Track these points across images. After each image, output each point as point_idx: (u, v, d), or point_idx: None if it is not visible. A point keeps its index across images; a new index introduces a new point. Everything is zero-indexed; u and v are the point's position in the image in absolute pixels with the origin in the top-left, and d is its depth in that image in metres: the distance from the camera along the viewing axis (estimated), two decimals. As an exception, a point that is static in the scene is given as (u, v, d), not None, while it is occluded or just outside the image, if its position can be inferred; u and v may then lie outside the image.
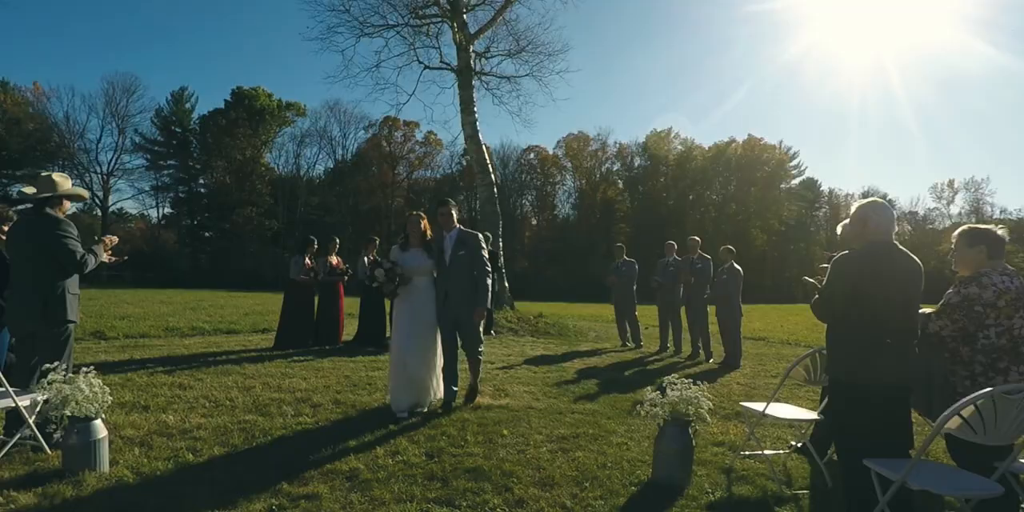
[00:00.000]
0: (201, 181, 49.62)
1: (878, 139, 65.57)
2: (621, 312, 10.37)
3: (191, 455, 3.75)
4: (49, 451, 3.66)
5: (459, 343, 5.16)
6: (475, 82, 13.82)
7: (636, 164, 52.56)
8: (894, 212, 2.85)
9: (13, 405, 3.52)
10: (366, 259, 8.28)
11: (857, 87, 61.60)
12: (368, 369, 6.84)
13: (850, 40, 59.26)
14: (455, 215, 5.13)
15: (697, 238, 9.35)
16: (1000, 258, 2.83)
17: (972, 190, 52.85)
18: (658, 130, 52.16)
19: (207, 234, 49.52)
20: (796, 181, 53.12)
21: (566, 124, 62.35)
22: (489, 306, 5.39)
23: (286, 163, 50.71)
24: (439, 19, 13.89)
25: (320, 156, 51.47)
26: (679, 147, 52.15)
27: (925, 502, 2.90)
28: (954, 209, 53.17)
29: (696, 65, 67.57)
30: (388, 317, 6.40)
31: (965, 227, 2.96)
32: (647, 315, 11.25)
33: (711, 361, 8.63)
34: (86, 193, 4.58)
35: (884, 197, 54.09)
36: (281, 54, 65.91)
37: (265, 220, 46.33)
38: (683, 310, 9.29)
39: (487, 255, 5.16)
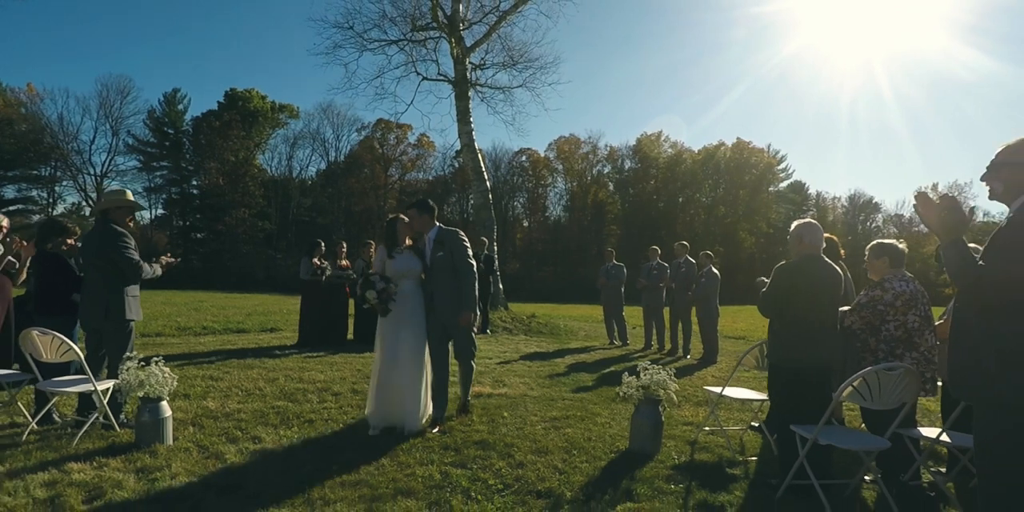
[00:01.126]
0: (194, 182, 49.75)
1: (866, 142, 66.62)
2: (609, 312, 11.10)
3: (239, 432, 4.41)
4: (119, 429, 4.31)
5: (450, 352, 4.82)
6: (471, 93, 14.54)
7: (627, 167, 53.31)
8: (822, 230, 3.58)
9: (91, 390, 4.17)
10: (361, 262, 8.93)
11: (845, 90, 62.66)
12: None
13: (839, 44, 60.09)
14: (426, 217, 4.69)
15: (685, 243, 10.08)
16: (900, 267, 3.56)
17: (956, 194, 54.34)
18: (648, 133, 53.00)
19: (199, 235, 49.72)
20: (784, 184, 54.07)
21: (558, 127, 63.36)
22: (480, 307, 5.09)
23: (279, 165, 51.03)
24: (437, 34, 14.60)
25: (313, 158, 51.81)
26: (669, 150, 52.92)
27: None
28: (939, 212, 54.78)
29: (686, 68, 68.50)
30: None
31: (874, 242, 3.70)
32: (634, 315, 11.99)
33: (689, 357, 9.37)
34: (139, 205, 5.18)
35: (870, 201, 54.90)
36: (275, 56, 66.23)
37: (258, 221, 46.64)
38: (666, 311, 10.03)
39: (470, 252, 4.74)
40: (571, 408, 5.45)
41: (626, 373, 4.26)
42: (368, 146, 52.53)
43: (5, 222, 4.73)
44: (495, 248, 13.86)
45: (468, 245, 4.75)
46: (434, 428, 4.51)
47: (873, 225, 54.43)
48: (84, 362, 4.11)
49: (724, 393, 4.33)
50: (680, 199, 51.97)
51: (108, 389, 4.25)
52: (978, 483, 2.32)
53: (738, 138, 52.54)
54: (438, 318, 4.64)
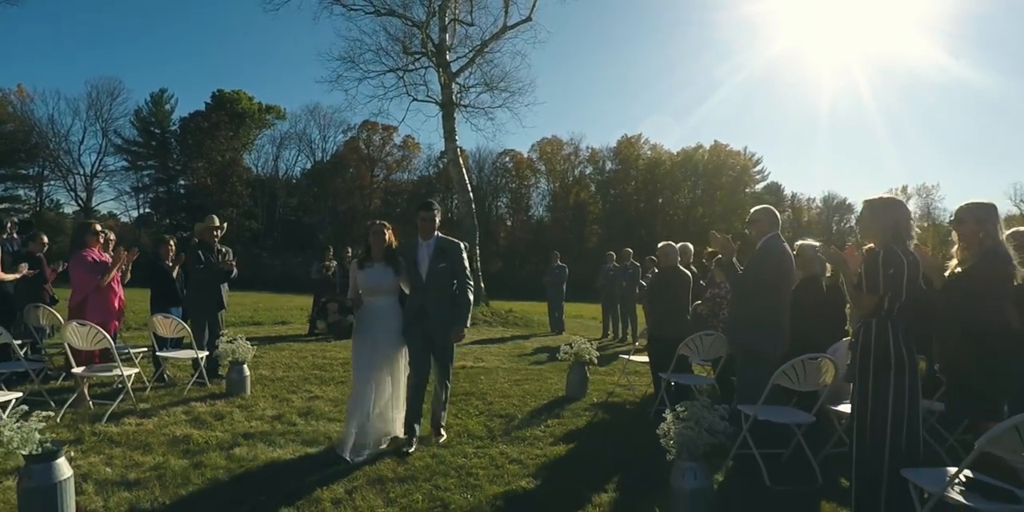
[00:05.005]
0: (181, 182, 50.54)
1: (842, 144, 68.29)
2: (553, 306, 13.18)
3: (294, 388, 6.27)
4: (209, 384, 6.15)
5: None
6: (456, 114, 16.48)
7: (607, 168, 54.50)
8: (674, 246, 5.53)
9: (194, 356, 6.02)
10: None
11: (824, 93, 63.58)
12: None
13: (819, 47, 60.78)
14: (438, 221, 4.44)
15: (629, 250, 12.12)
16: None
17: (923, 196, 55.02)
18: (629, 135, 54.19)
19: (184, 234, 50.57)
20: (760, 186, 55.18)
21: (540, 129, 65.20)
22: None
23: (265, 164, 51.95)
24: (427, 62, 16.54)
25: (299, 158, 52.82)
26: (648, 152, 54.17)
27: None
28: (908, 212, 56.29)
29: (668, 71, 70.15)
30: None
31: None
32: (595, 309, 14.01)
33: (637, 343, 11.39)
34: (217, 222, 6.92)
35: (844, 202, 56.45)
36: (261, 58, 67.20)
37: (245, 220, 47.71)
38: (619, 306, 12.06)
39: (467, 264, 4.59)
40: (530, 374, 7.42)
41: (564, 345, 6.24)
42: (353, 147, 53.49)
43: (112, 235, 6.52)
44: (477, 251, 15.77)
45: (466, 257, 4.55)
46: (409, 447, 4.27)
47: (847, 226, 55.10)
48: (194, 338, 5.97)
49: (630, 358, 6.33)
50: (660, 200, 53.17)
51: (204, 356, 6.10)
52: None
53: (716, 141, 53.71)
54: (426, 330, 4.35)
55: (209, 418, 5.01)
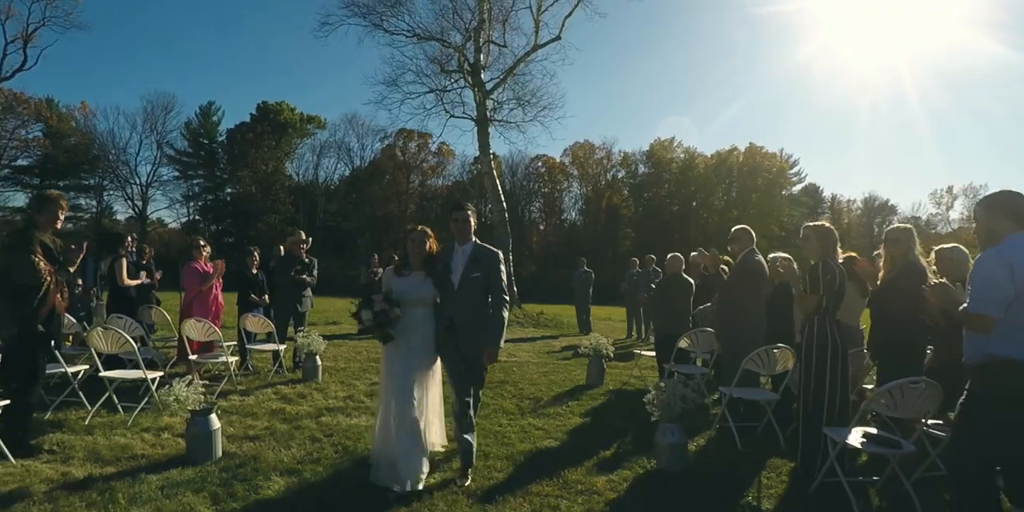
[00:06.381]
0: (228, 190, 52.86)
1: (882, 144, 65.90)
2: (580, 308, 14.18)
3: (357, 376, 7.46)
4: (288, 373, 7.40)
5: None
6: (490, 129, 17.75)
7: (640, 171, 54.25)
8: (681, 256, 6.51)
9: (275, 349, 7.27)
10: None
11: (862, 91, 61.16)
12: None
13: (856, 43, 58.75)
14: (473, 223, 4.05)
15: (652, 256, 13.05)
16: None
17: (971, 196, 52.17)
18: (661, 138, 53.91)
19: (229, 240, 52.96)
20: (797, 188, 54.31)
21: (573, 133, 65.84)
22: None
23: (305, 172, 53.74)
24: (462, 83, 17.92)
25: (338, 166, 54.45)
26: (682, 155, 53.80)
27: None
28: (954, 214, 53.06)
29: (700, 73, 68.93)
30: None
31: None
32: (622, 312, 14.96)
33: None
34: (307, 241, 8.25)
35: (886, 203, 54.60)
36: (304, 71, 69.84)
37: (287, 227, 49.67)
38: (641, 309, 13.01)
39: (505, 277, 4.09)
40: (556, 367, 8.49)
41: (584, 340, 7.29)
42: (390, 154, 54.98)
43: (208, 248, 7.82)
44: (510, 258, 16.92)
45: (503, 270, 4.08)
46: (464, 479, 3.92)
47: (889, 228, 54.45)
48: (276, 334, 7.24)
49: (642, 354, 7.35)
50: (693, 203, 52.67)
51: (283, 349, 7.34)
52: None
53: (751, 143, 52.94)
54: (459, 347, 3.98)
55: (294, 397, 6.23)
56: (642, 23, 62.12)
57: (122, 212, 50.03)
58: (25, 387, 4.17)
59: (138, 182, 49.14)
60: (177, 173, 51.48)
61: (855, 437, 3.67)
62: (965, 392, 2.94)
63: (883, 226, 54.39)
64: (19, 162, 45.28)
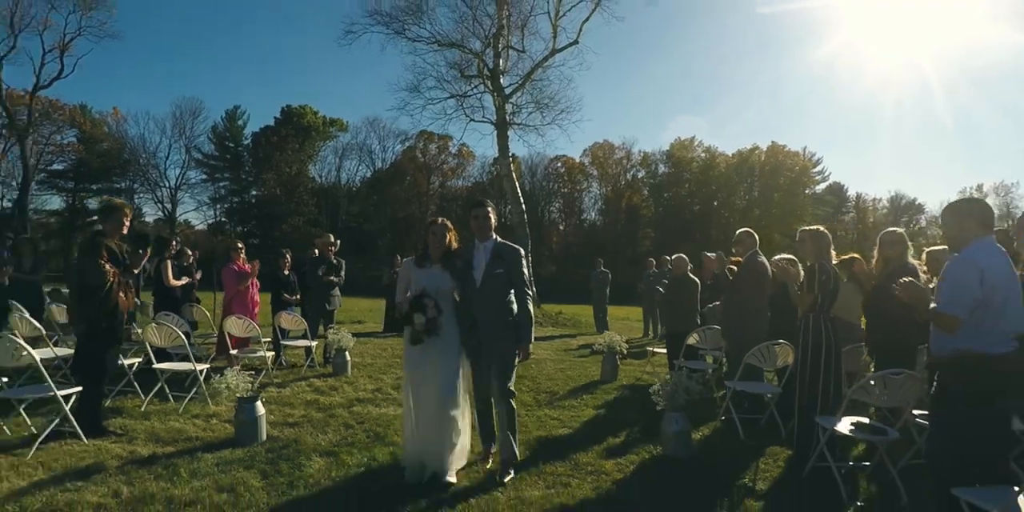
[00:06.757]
0: (253, 192, 53.92)
1: (908, 141, 64.86)
2: (597, 307, 14.44)
3: (383, 371, 7.90)
4: (319, 367, 7.87)
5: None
6: (509, 132, 18.18)
7: (660, 171, 53.81)
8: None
9: (308, 345, 7.75)
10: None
11: (886, 88, 59.66)
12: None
13: (881, 39, 56.69)
14: (493, 219, 4.11)
15: (668, 257, 13.28)
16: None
17: (1002, 194, 51.79)
18: (681, 138, 53.43)
19: (255, 241, 54.01)
20: (821, 186, 53.50)
21: (591, 133, 65.77)
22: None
23: (328, 174, 54.50)
24: (482, 88, 18.38)
25: (360, 168, 55.13)
26: (702, 155, 53.27)
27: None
28: (985, 212, 52.77)
29: (721, 72, 68.39)
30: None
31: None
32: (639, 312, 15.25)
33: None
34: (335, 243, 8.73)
35: (913, 202, 53.35)
36: (327, 74, 71.12)
37: (311, 228, 50.55)
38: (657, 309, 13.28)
39: (528, 274, 4.19)
40: (573, 364, 8.85)
41: (599, 337, 7.64)
42: (411, 156, 55.47)
43: (243, 249, 8.33)
44: (529, 258, 17.32)
45: (527, 266, 4.15)
46: (487, 462, 4.18)
47: (916, 227, 52.24)
48: (308, 331, 7.72)
49: (654, 351, 7.68)
50: (715, 203, 52.12)
51: (315, 345, 7.82)
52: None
53: (772, 141, 52.24)
54: (485, 348, 4.01)
55: (327, 389, 6.68)
56: (660, 26, 61.81)
57: (151, 214, 51.30)
58: (94, 378, 4.67)
59: (167, 185, 50.46)
60: (204, 176, 52.73)
61: (844, 425, 3.98)
62: (935, 386, 3.20)
63: (910, 225, 53.36)
64: (54, 166, 46.93)
